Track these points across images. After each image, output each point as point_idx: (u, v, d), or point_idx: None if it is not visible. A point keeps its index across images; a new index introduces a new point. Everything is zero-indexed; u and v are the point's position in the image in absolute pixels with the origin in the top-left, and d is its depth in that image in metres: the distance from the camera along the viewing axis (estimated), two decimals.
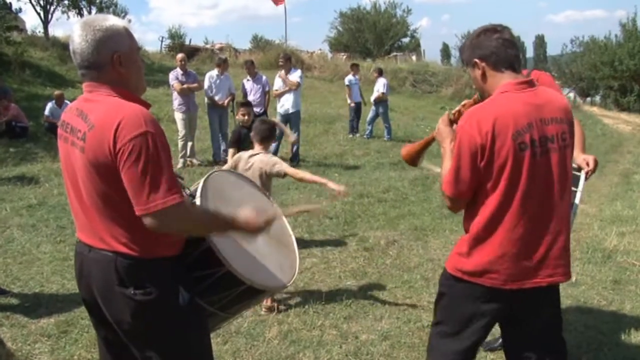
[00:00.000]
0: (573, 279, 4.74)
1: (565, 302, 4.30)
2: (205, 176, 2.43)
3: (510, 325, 2.44)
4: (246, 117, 6.27)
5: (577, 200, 2.89)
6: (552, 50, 64.03)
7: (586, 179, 2.97)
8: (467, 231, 2.34)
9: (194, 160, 9.95)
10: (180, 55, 10.15)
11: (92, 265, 2.02)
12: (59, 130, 2.06)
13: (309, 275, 5.01)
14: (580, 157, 3.01)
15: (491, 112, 2.14)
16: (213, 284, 2.17)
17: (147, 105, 2.01)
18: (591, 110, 23.76)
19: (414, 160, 2.80)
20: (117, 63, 1.95)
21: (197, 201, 2.22)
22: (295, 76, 10.14)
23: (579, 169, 3.00)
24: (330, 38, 47.09)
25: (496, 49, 2.20)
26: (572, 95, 28.99)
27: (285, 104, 10.24)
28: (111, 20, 1.98)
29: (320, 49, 34.09)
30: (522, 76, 2.25)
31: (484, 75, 2.26)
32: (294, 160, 10.04)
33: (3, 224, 6.48)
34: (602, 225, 6.66)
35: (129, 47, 2.00)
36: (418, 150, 2.75)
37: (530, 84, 2.22)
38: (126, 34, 1.99)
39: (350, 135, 13.72)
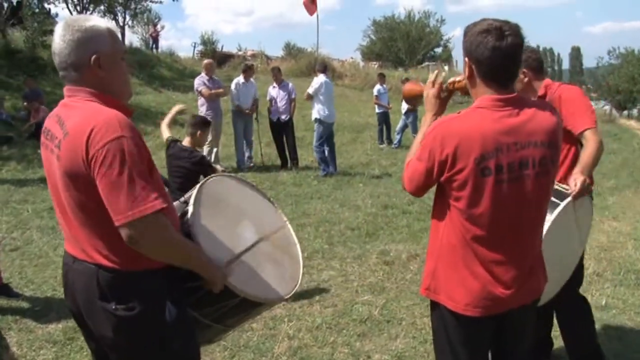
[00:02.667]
0: (603, 302, 4.49)
1: None
2: (202, 181, 2.31)
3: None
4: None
5: (543, 232, 2.43)
6: (589, 62, 62.83)
7: (574, 199, 2.70)
8: (430, 243, 2.22)
9: (218, 167, 9.88)
10: (207, 61, 10.15)
11: (76, 277, 1.92)
12: (42, 137, 1.96)
13: (325, 289, 4.84)
14: (571, 177, 2.79)
15: (458, 130, 1.97)
16: (206, 296, 2.05)
17: (128, 112, 1.89)
18: (628, 124, 23.02)
19: (412, 100, 2.69)
20: (96, 65, 1.84)
21: (190, 208, 2.09)
22: (310, 86, 9.95)
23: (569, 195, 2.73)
24: (363, 46, 47.06)
25: (489, 60, 1.96)
26: (607, 108, 28.24)
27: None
28: (93, 21, 1.88)
29: (352, 57, 34.06)
30: (508, 91, 2.02)
31: (471, 76, 2.06)
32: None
33: (24, 225, 6.51)
34: (637, 244, 6.32)
35: (111, 49, 1.88)
36: (419, 95, 2.57)
37: (511, 102, 2.01)
38: (108, 35, 1.88)
39: (382, 146, 13.56)
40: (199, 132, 4.71)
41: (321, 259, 5.66)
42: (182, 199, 2.23)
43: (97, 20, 1.90)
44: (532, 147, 2.00)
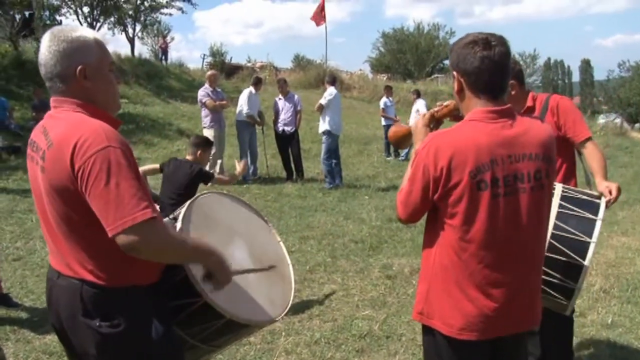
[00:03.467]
0: (609, 320, 4.39)
1: (598, 346, 3.97)
2: (192, 199, 2.27)
3: None
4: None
5: (596, 231, 2.61)
6: (600, 74, 62.22)
7: (607, 207, 2.74)
8: (423, 263, 2.14)
9: (223, 178, 9.88)
10: (210, 72, 10.21)
11: (60, 292, 1.88)
12: (28, 149, 1.93)
13: (325, 303, 4.78)
14: (602, 185, 2.84)
15: (451, 143, 1.92)
16: (191, 315, 2.00)
17: (115, 123, 1.87)
18: (639, 137, 22.86)
19: (399, 143, 2.70)
20: (82, 76, 1.81)
21: (178, 225, 2.05)
22: (322, 97, 9.99)
23: (599, 197, 2.79)
24: (372, 59, 47.19)
25: (478, 70, 1.94)
26: (618, 121, 28.02)
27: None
28: (80, 32, 1.85)
29: (360, 70, 34.13)
30: (499, 103, 1.98)
31: (461, 90, 2.03)
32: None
33: (27, 235, 6.51)
34: None
35: (98, 60, 1.85)
36: (405, 135, 2.57)
37: (504, 113, 1.97)
38: (96, 46, 1.85)
39: (389, 158, 13.55)
40: (199, 152, 4.75)
41: (323, 272, 5.61)
42: (172, 215, 2.19)
43: (84, 31, 1.87)
44: (527, 160, 1.95)
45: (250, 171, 10.32)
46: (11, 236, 6.47)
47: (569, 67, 66.09)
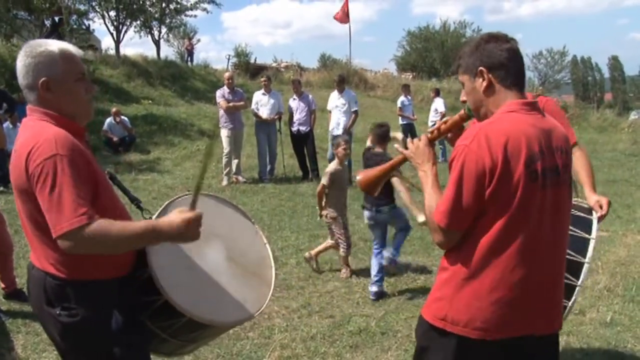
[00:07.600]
0: (608, 318, 4.37)
1: (593, 344, 3.96)
2: (171, 199, 2.32)
3: None
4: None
5: (589, 251, 2.47)
6: (634, 70, 60.33)
7: (598, 222, 2.60)
8: (448, 268, 1.99)
9: (240, 178, 10.03)
10: (227, 74, 10.44)
11: (31, 283, 2.07)
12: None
13: (327, 299, 4.88)
14: (592, 199, 2.63)
15: (502, 130, 1.83)
16: (157, 311, 2.11)
17: (79, 130, 2.01)
18: None
19: (372, 188, 2.49)
20: (44, 88, 1.95)
21: None
22: (355, 103, 10.32)
23: (590, 211, 2.64)
24: (398, 57, 46.96)
25: (507, 60, 1.93)
26: None
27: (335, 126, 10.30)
28: (44, 46, 1.97)
29: (385, 69, 34.02)
30: (525, 96, 1.98)
31: (489, 87, 1.95)
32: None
33: None
34: None
35: (62, 73, 1.97)
36: (379, 176, 2.44)
37: (536, 106, 1.96)
38: (60, 60, 1.97)
39: None
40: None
41: (329, 270, 5.70)
42: (147, 216, 2.26)
43: (50, 45, 1.98)
44: (559, 153, 1.93)
45: (268, 170, 10.46)
46: None
47: (596, 64, 64.19)
